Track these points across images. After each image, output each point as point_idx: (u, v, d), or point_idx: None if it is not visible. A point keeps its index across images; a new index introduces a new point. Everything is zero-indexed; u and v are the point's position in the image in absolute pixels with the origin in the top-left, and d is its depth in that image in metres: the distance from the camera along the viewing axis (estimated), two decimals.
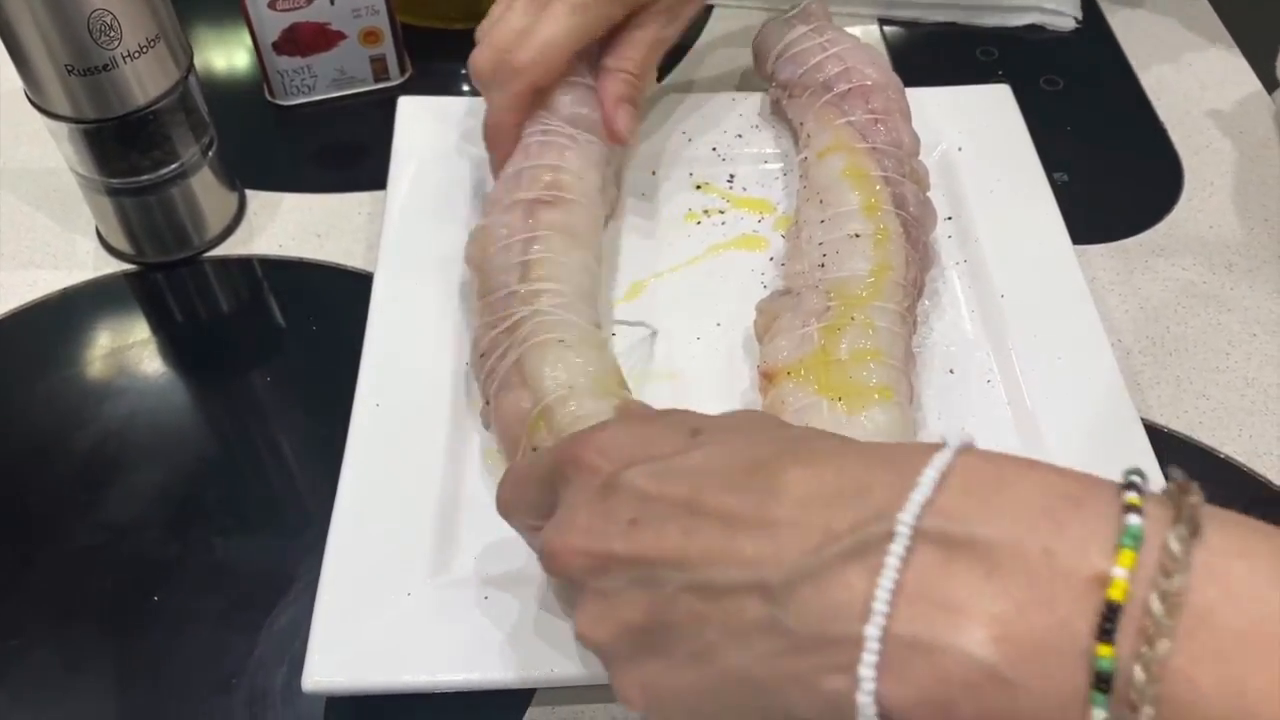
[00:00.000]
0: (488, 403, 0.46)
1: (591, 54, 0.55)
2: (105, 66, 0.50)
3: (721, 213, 0.58)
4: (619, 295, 0.55)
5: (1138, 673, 0.24)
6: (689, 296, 0.55)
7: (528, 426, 0.44)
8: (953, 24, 0.72)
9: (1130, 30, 0.71)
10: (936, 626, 0.26)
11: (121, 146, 0.53)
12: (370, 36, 0.65)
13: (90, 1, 0.48)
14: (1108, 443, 0.47)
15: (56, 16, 0.48)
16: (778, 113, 0.61)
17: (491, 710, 0.43)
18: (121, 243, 0.58)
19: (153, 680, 0.44)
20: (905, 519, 0.26)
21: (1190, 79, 0.68)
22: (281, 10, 0.62)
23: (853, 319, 0.46)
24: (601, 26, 0.53)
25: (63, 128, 0.52)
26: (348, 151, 0.65)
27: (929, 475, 0.27)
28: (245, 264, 0.59)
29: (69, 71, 0.50)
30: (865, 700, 0.26)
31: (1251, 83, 0.68)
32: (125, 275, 0.58)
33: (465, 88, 0.67)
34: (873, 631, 0.26)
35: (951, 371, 0.52)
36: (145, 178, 0.55)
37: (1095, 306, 0.52)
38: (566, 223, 0.49)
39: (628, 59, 0.54)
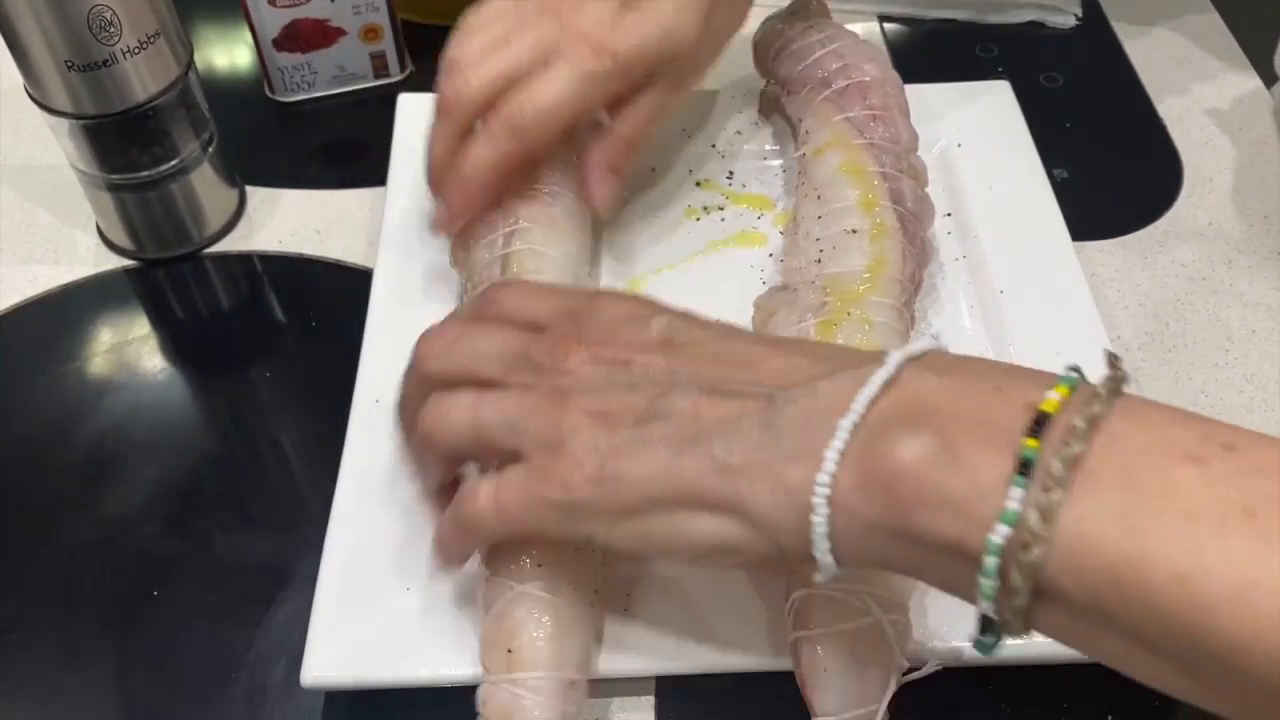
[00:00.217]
0: None
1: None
2: (105, 62, 0.50)
3: (721, 209, 0.58)
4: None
5: (1055, 465, 0.28)
6: (688, 293, 0.54)
7: None
8: (953, 21, 0.72)
9: (1130, 27, 0.71)
10: (893, 425, 0.31)
11: (121, 142, 0.53)
12: (370, 33, 0.65)
13: None
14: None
15: (57, 12, 0.48)
16: (777, 109, 0.61)
17: None
18: (122, 239, 0.58)
19: (152, 674, 0.44)
20: (894, 358, 0.32)
21: (1190, 75, 0.68)
22: (282, 6, 0.62)
23: (849, 314, 0.46)
24: (605, 99, 0.50)
25: (63, 123, 0.52)
26: (348, 148, 0.65)
27: (918, 345, 0.33)
28: (245, 260, 0.59)
29: (69, 67, 0.50)
30: (823, 479, 0.31)
31: (1251, 79, 0.68)
32: (125, 271, 0.58)
33: None
34: (845, 423, 0.31)
35: None
36: (145, 174, 0.55)
37: (1094, 303, 0.52)
38: (548, 215, 0.49)
39: (625, 123, 0.51)
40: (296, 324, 0.56)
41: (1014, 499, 0.28)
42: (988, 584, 0.29)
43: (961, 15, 0.72)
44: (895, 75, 0.55)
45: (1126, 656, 0.29)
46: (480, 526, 0.38)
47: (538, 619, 0.38)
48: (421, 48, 0.68)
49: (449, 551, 0.40)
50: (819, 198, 0.52)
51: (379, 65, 0.66)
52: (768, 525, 0.32)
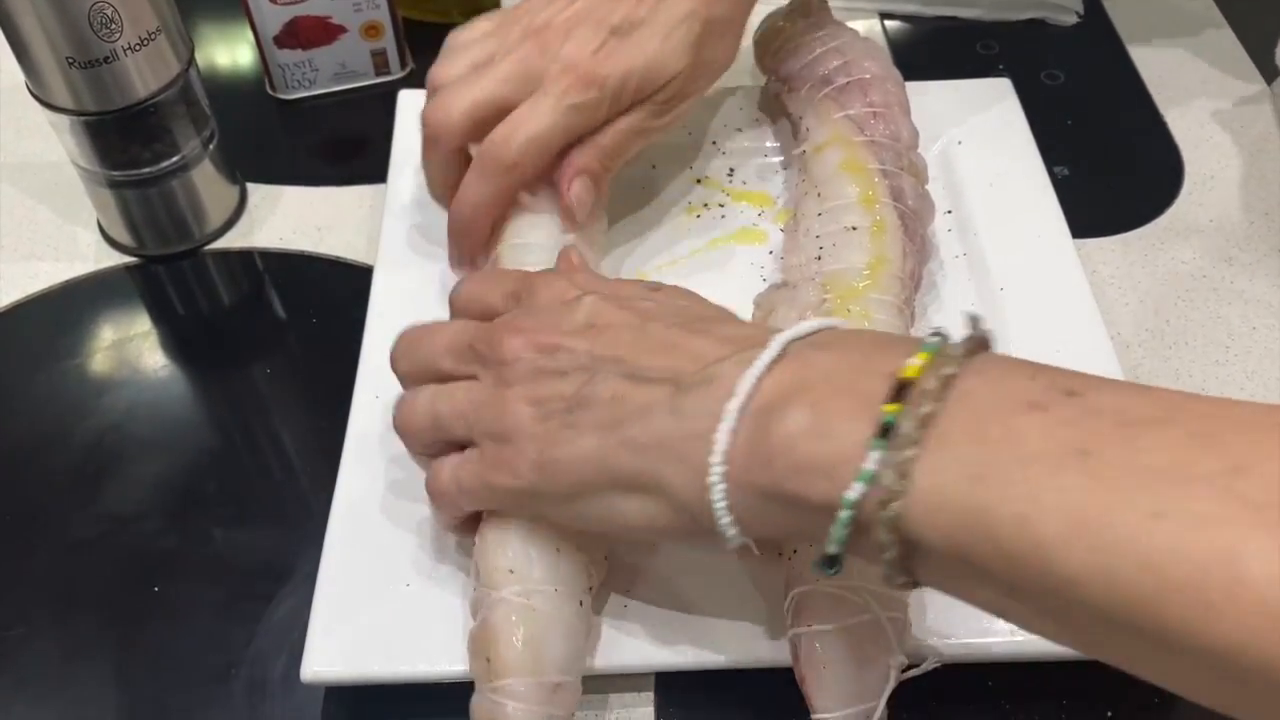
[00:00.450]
0: None
1: None
2: (106, 59, 0.50)
3: (721, 206, 0.58)
4: None
5: (909, 425, 0.30)
6: (689, 289, 0.55)
7: None
8: (954, 18, 0.72)
9: (1131, 24, 0.71)
10: (774, 402, 0.33)
11: (123, 139, 0.54)
12: (371, 30, 0.65)
13: None
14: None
15: (57, 9, 0.48)
16: (778, 106, 0.60)
17: None
18: (122, 235, 0.58)
19: (153, 670, 0.44)
20: (778, 340, 0.35)
21: (1191, 72, 0.68)
22: (283, 4, 0.62)
23: (849, 311, 0.47)
24: (590, 125, 0.50)
25: (64, 120, 0.53)
26: (348, 145, 0.65)
27: (808, 325, 0.36)
28: (246, 257, 0.59)
29: (70, 64, 0.50)
30: (716, 458, 0.34)
31: (1252, 75, 0.68)
32: (126, 268, 0.58)
33: None
34: (732, 406, 0.34)
35: None
36: (146, 170, 0.55)
37: (1095, 300, 0.52)
38: (533, 209, 0.50)
39: (605, 133, 0.50)
40: (297, 320, 0.56)
41: (871, 460, 0.30)
42: (838, 531, 0.31)
43: (963, 13, 0.72)
44: (896, 73, 0.55)
45: (996, 603, 0.31)
46: (446, 503, 0.42)
47: (513, 625, 0.38)
48: (422, 45, 0.68)
49: (437, 518, 0.44)
50: (819, 195, 0.52)
51: (380, 62, 0.66)
52: (681, 502, 0.35)
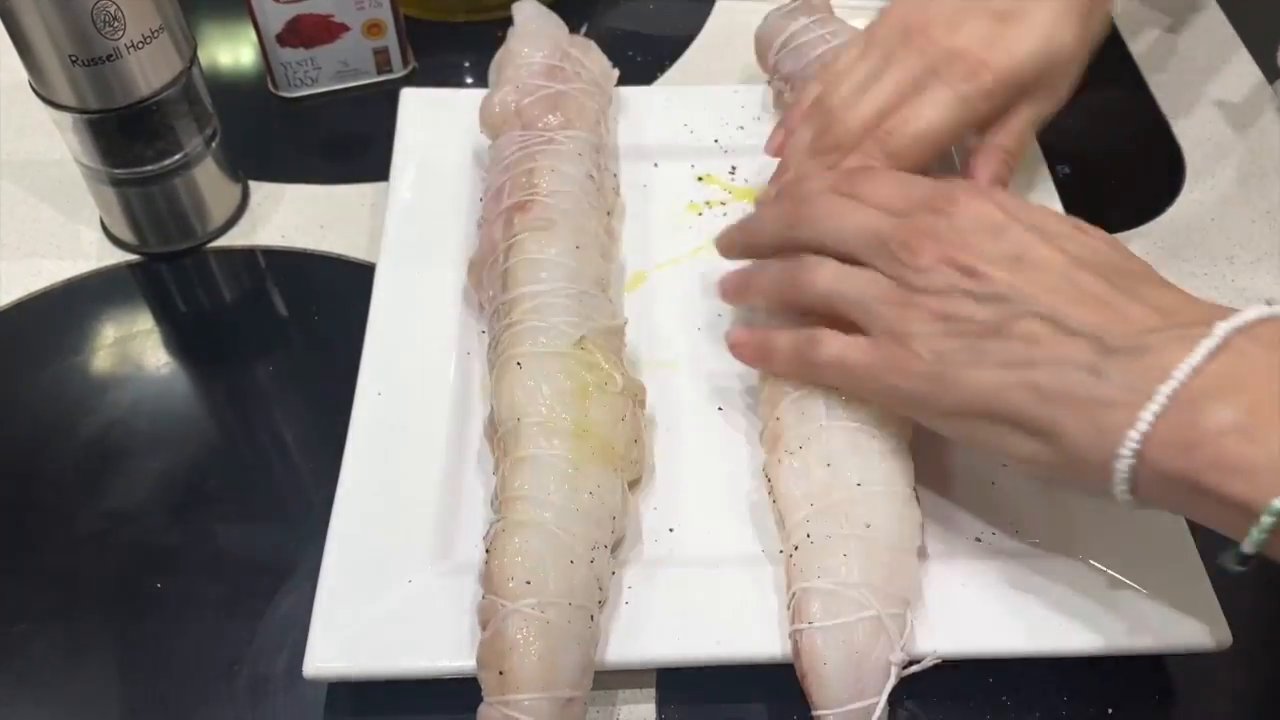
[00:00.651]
0: None
1: None
2: (109, 57, 0.50)
3: (723, 204, 0.58)
4: (621, 286, 0.55)
5: None
6: (691, 287, 0.55)
7: (493, 446, 0.45)
8: None
9: (1133, 24, 0.71)
10: (1210, 395, 0.34)
11: (125, 137, 0.54)
12: (373, 29, 0.65)
13: None
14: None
15: (61, 7, 0.48)
16: (780, 105, 0.61)
17: None
18: (125, 233, 0.58)
19: (155, 666, 0.44)
20: (1222, 328, 0.35)
21: (1192, 71, 0.68)
22: (285, 2, 0.62)
23: None
24: (983, 117, 0.50)
25: (67, 118, 0.53)
26: (351, 143, 0.65)
27: (1251, 313, 0.35)
28: (248, 254, 0.59)
29: (73, 62, 0.50)
30: (1133, 435, 0.34)
31: (1253, 74, 0.68)
32: (129, 265, 0.58)
33: (468, 80, 0.67)
34: (1165, 390, 0.34)
35: None
36: (149, 168, 0.55)
37: None
38: (543, 218, 0.49)
39: (1009, 134, 0.51)
40: (299, 318, 0.56)
41: None
42: (1258, 535, 0.33)
43: None
44: None
45: None
46: (822, 372, 0.44)
47: (528, 639, 0.38)
48: (424, 43, 0.68)
49: (784, 369, 0.45)
50: None
51: (381, 61, 0.66)
52: (1075, 456, 0.36)
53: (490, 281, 0.49)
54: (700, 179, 0.59)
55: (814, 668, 0.39)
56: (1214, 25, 0.71)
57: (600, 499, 0.42)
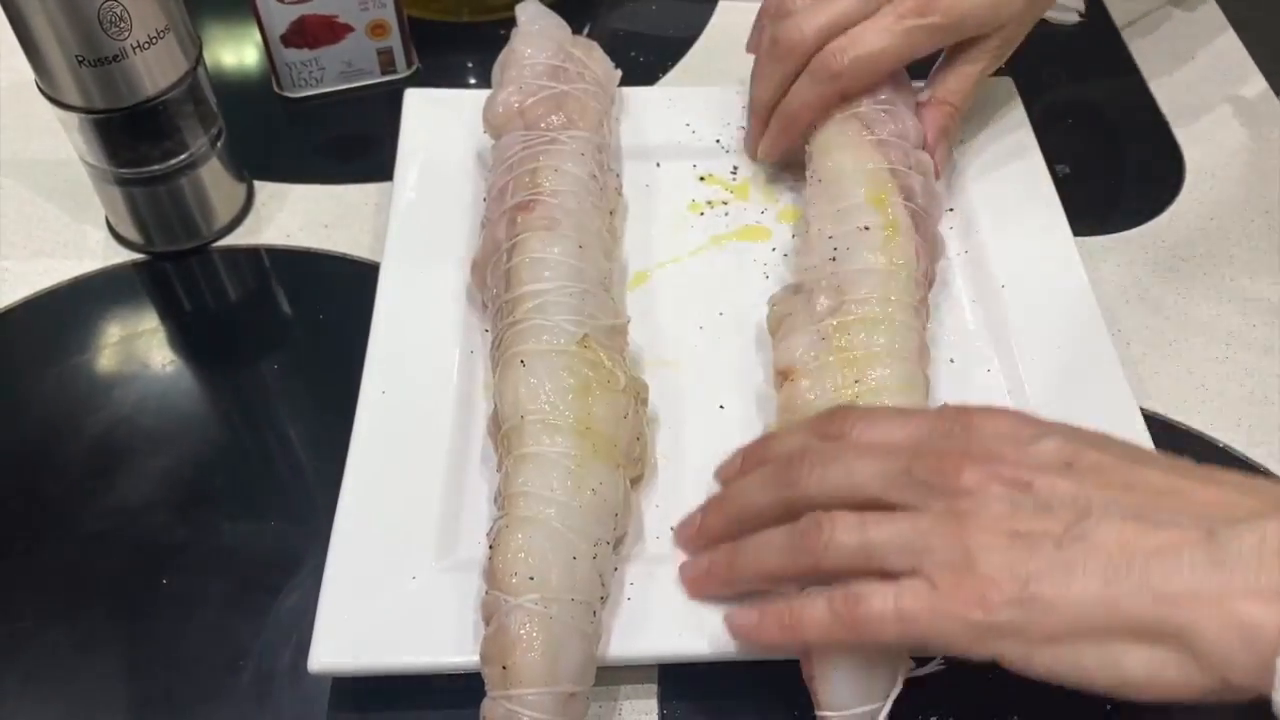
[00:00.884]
0: None
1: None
2: (115, 57, 0.51)
3: (725, 204, 0.59)
4: (624, 285, 0.55)
5: None
6: (693, 286, 0.55)
7: (497, 443, 0.45)
8: None
9: (1133, 24, 0.71)
10: None
11: (131, 137, 0.54)
12: (377, 29, 0.65)
13: None
14: (1107, 432, 0.47)
15: (68, 8, 0.48)
16: None
17: None
18: (131, 232, 0.58)
19: (161, 662, 0.44)
20: None
21: (1192, 70, 0.69)
22: (289, 3, 0.62)
23: (865, 315, 0.47)
24: (924, 51, 0.53)
25: (73, 118, 0.53)
26: (355, 143, 0.65)
27: None
28: (253, 254, 0.59)
29: (79, 62, 0.50)
30: None
31: (1254, 74, 0.68)
32: (134, 265, 0.58)
33: (471, 81, 0.68)
34: None
35: (952, 361, 0.52)
36: (154, 168, 0.55)
37: (1095, 297, 0.52)
38: (546, 218, 0.49)
39: (953, 92, 0.54)
40: (304, 317, 0.57)
41: None
42: None
43: None
44: (902, 71, 0.56)
45: None
46: (878, 631, 0.37)
47: (531, 634, 0.38)
48: (428, 44, 0.68)
49: (827, 637, 0.38)
50: (829, 195, 0.52)
51: (385, 61, 0.67)
52: (1216, 660, 0.32)
53: (493, 280, 0.49)
54: (702, 179, 0.60)
55: (824, 671, 0.39)
56: (1214, 25, 0.71)
57: (603, 496, 0.42)
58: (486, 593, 0.40)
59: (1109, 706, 0.43)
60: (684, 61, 0.69)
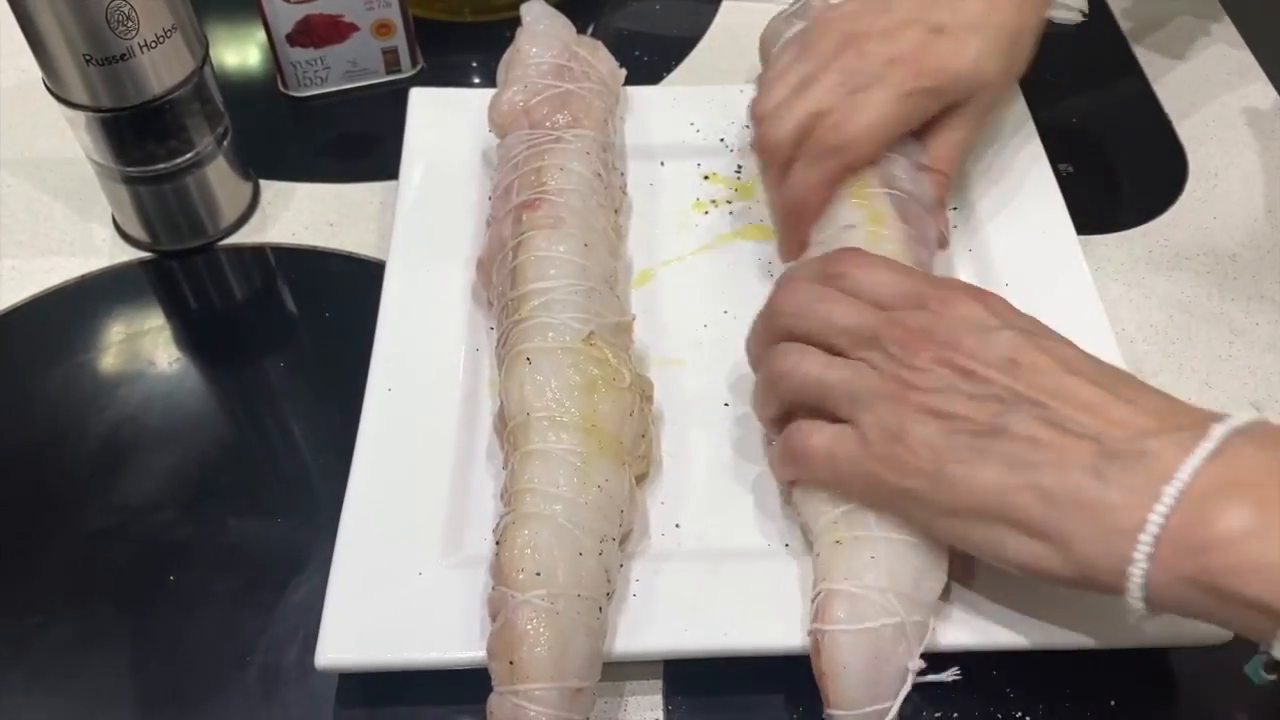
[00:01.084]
0: None
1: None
2: (122, 56, 0.51)
3: (729, 202, 0.59)
4: (628, 283, 0.55)
5: None
6: (697, 284, 0.55)
7: (503, 440, 0.45)
8: None
9: (1136, 24, 0.72)
10: (1218, 493, 0.34)
11: (138, 135, 0.54)
12: (383, 29, 0.65)
13: None
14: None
15: (75, 7, 0.49)
16: None
17: None
18: (137, 231, 0.59)
19: (168, 657, 0.45)
20: (1220, 428, 0.35)
21: (1195, 70, 0.69)
22: (295, 2, 0.62)
23: None
24: (918, 119, 0.52)
25: (80, 116, 0.53)
26: (360, 142, 0.65)
27: (1244, 415, 0.36)
28: (259, 252, 0.59)
29: (87, 61, 0.50)
30: (1147, 539, 0.34)
31: (1256, 73, 0.68)
32: (141, 263, 0.59)
33: (476, 80, 0.68)
34: (1171, 490, 0.34)
35: None
36: (161, 166, 0.56)
37: (1099, 296, 0.52)
38: (551, 216, 0.49)
39: (942, 160, 0.53)
40: (309, 315, 0.57)
41: None
42: None
43: None
44: None
45: None
46: (808, 464, 0.43)
47: (538, 630, 0.39)
48: (433, 44, 0.68)
49: (780, 473, 0.45)
50: None
51: (390, 60, 0.67)
52: (1084, 560, 0.36)
53: (499, 278, 0.50)
54: (706, 178, 0.60)
55: (834, 669, 0.39)
56: (1217, 25, 0.71)
57: (608, 493, 0.42)
58: (493, 589, 0.40)
59: (1113, 703, 0.43)
60: (688, 61, 0.69)
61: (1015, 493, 0.37)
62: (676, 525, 0.46)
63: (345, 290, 0.57)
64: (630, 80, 0.61)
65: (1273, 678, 0.34)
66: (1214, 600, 0.34)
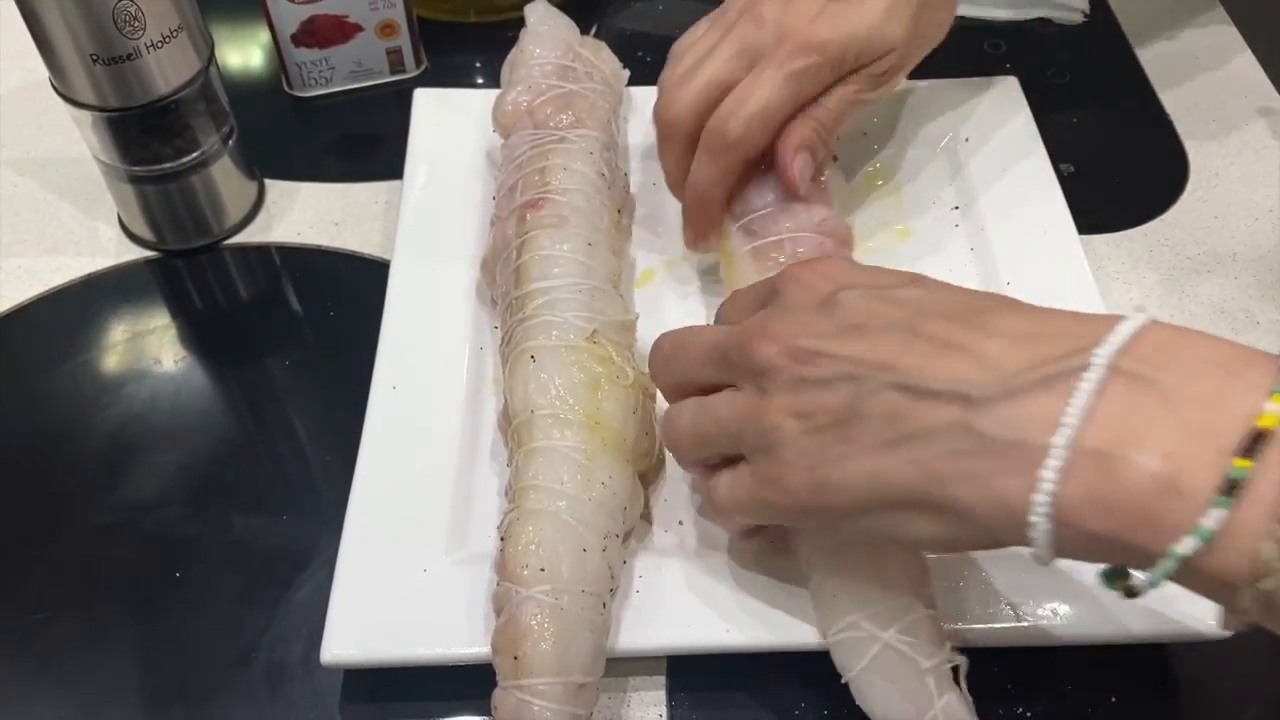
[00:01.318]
0: None
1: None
2: (129, 56, 0.51)
3: None
4: (632, 282, 0.55)
5: (1266, 489, 0.28)
6: (700, 284, 0.56)
7: (508, 438, 0.46)
8: (961, 17, 0.72)
9: (1137, 23, 0.72)
10: (1116, 443, 0.30)
11: (144, 135, 0.54)
12: (387, 29, 0.66)
13: None
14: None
15: (82, 7, 0.49)
16: None
17: None
18: (143, 230, 0.59)
19: (174, 653, 0.45)
20: (1101, 355, 0.31)
21: (1196, 70, 0.69)
22: (300, 3, 0.63)
23: None
24: (812, 92, 0.50)
25: (87, 116, 0.53)
26: (364, 142, 0.66)
27: (1124, 328, 0.31)
28: (264, 251, 0.60)
29: (94, 61, 0.51)
30: (1042, 499, 0.30)
31: (1257, 73, 0.68)
32: (146, 262, 0.59)
33: (480, 80, 0.68)
34: (1060, 441, 0.30)
35: None
36: (166, 166, 0.56)
37: (1100, 295, 0.52)
38: (554, 215, 0.50)
39: (821, 107, 0.50)
40: (314, 314, 0.57)
41: (1212, 519, 0.28)
42: (1156, 577, 0.30)
43: (970, 12, 0.72)
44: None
45: None
46: (724, 518, 0.42)
47: (542, 625, 0.39)
48: (437, 44, 0.69)
49: (723, 525, 0.44)
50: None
51: (395, 61, 0.67)
52: (984, 526, 0.33)
53: (503, 277, 0.50)
54: None
55: (871, 712, 0.40)
56: (1218, 25, 0.72)
57: (612, 490, 0.43)
58: (498, 584, 0.41)
59: (1112, 698, 0.43)
60: None
61: (891, 475, 0.34)
62: (680, 522, 0.47)
63: (350, 289, 0.57)
64: (633, 80, 0.61)
65: (1128, 598, 0.32)
66: (1110, 549, 0.31)
